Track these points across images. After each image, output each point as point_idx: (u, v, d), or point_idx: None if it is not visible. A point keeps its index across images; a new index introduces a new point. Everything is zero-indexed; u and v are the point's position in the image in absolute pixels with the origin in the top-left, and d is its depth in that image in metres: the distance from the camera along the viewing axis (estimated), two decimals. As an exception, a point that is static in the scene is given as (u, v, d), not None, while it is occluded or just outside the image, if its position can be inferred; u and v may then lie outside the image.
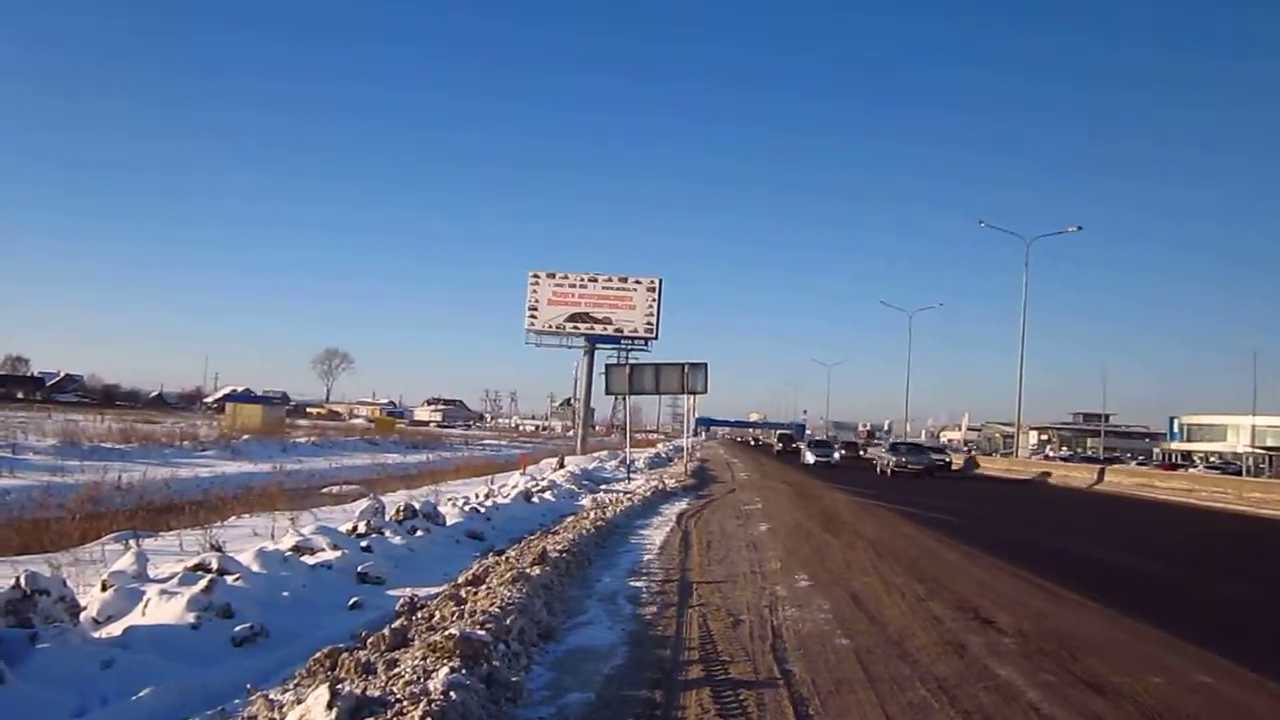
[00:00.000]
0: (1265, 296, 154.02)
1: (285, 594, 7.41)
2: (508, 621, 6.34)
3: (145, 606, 6.12)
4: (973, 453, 77.64)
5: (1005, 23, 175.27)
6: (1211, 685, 6.12)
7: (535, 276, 50.97)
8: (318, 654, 5.31)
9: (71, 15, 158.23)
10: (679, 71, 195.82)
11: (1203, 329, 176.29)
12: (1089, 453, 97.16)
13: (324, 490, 22.78)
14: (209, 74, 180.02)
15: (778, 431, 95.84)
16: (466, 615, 6.39)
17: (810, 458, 48.94)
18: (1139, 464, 68.24)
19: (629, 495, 20.52)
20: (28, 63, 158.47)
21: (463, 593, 7.38)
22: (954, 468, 48.42)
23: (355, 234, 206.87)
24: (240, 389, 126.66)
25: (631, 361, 40.93)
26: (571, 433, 69.32)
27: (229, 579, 6.87)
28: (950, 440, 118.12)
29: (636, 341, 50.87)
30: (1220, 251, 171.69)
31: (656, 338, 50.77)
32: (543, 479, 22.13)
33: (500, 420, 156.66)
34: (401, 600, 7.32)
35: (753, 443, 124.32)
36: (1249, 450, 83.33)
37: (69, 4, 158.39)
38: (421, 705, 4.26)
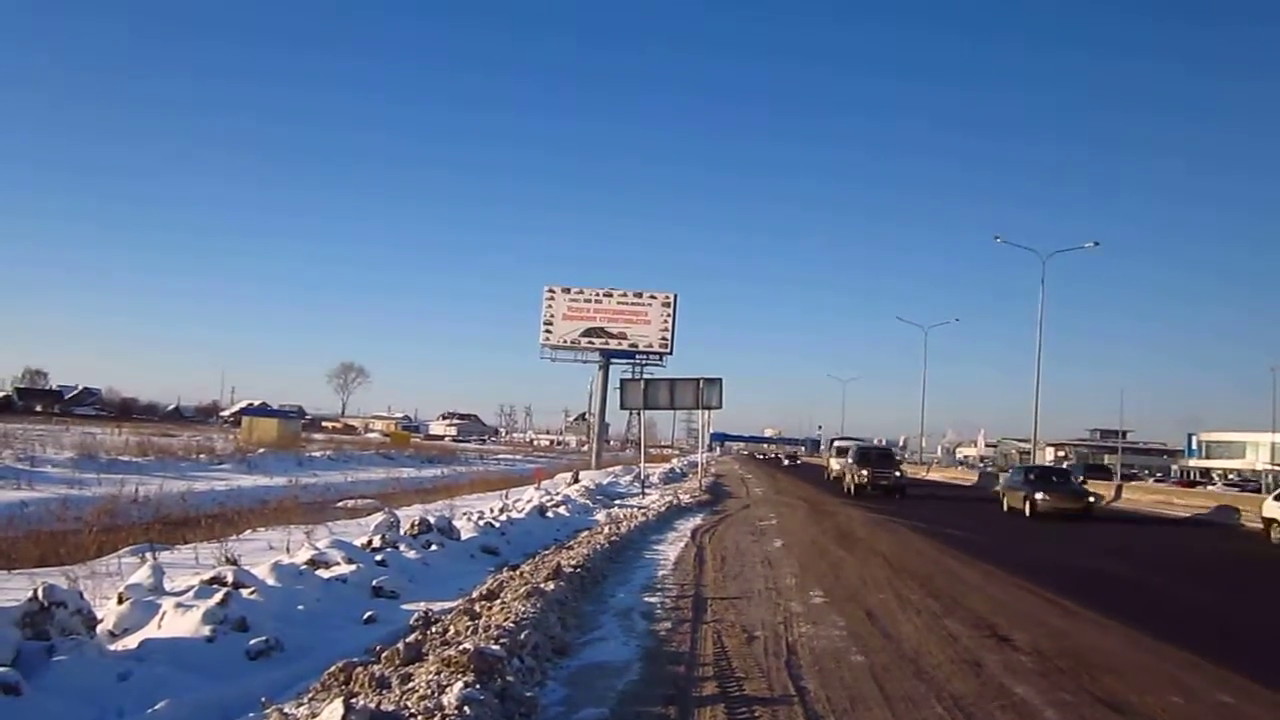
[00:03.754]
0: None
1: (300, 608, 7.43)
2: (522, 636, 6.34)
3: (161, 619, 6.15)
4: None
5: (1019, 40, 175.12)
6: (1231, 705, 6.06)
7: (550, 291, 51.12)
8: (332, 668, 5.32)
9: (84, 20, 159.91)
10: (695, 86, 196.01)
11: (1221, 346, 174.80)
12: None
13: (339, 504, 22.81)
14: (225, 84, 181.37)
15: (840, 444, 47.10)
16: (481, 630, 6.39)
17: None
18: (1156, 481, 67.63)
19: (643, 510, 20.49)
20: (44, 72, 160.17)
21: (477, 607, 7.38)
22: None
23: (371, 248, 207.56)
24: (256, 403, 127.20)
25: (646, 376, 41.01)
26: (586, 447, 69.25)
27: (244, 592, 6.89)
28: (966, 457, 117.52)
29: (651, 356, 50.93)
30: (1238, 269, 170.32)
31: (671, 353, 50.87)
32: (557, 494, 22.15)
33: (515, 435, 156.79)
34: (416, 615, 7.33)
35: (787, 461, 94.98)
36: (1268, 467, 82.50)
37: (96, 11, 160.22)
38: (435, 720, 4.26)
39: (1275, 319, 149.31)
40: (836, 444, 49.41)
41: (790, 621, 8.43)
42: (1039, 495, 24.90)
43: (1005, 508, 26.99)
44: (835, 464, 43.80)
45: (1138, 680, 6.57)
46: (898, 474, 33.34)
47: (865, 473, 32.52)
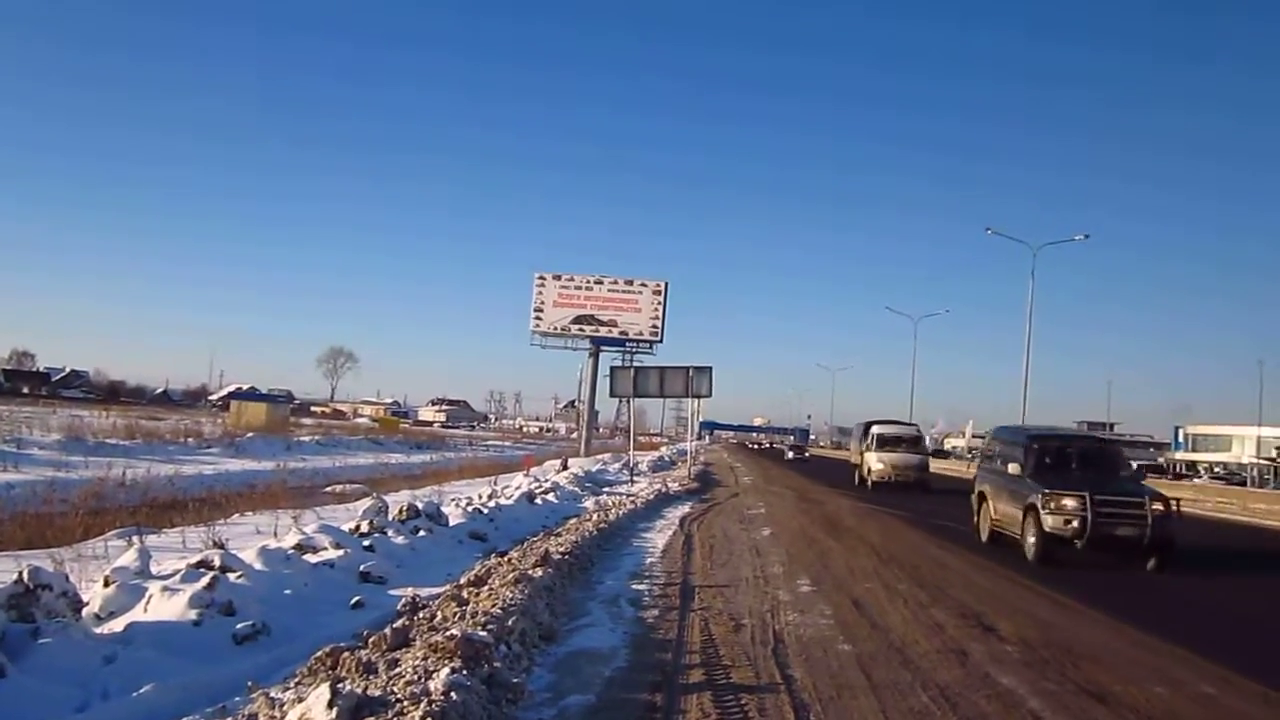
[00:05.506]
0: (1271, 306, 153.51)
1: (287, 592, 7.41)
2: (509, 623, 6.34)
3: (147, 603, 6.13)
4: None
5: (1012, 31, 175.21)
6: (1214, 696, 6.11)
7: (541, 278, 50.92)
8: (319, 653, 5.31)
9: (74, 5, 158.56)
10: (685, 74, 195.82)
11: (1208, 339, 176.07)
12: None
13: (327, 489, 22.79)
14: (215, 70, 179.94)
15: (881, 430, 33.65)
16: (468, 616, 6.39)
17: None
18: (1143, 473, 67.91)
19: (632, 498, 20.52)
20: (30, 53, 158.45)
21: (465, 593, 7.37)
22: None
23: (361, 233, 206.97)
24: (245, 387, 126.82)
25: (636, 364, 40.99)
26: (575, 435, 69.21)
27: (231, 576, 6.87)
28: (955, 448, 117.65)
29: (641, 344, 50.71)
30: (1226, 261, 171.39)
31: (661, 341, 50.63)
32: (546, 481, 22.14)
33: (504, 421, 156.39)
34: (403, 600, 7.32)
35: (791, 454, 76.54)
36: (1254, 461, 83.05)
37: None
38: (422, 705, 4.26)
39: (1263, 312, 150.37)
40: (877, 430, 33.65)
41: (777, 610, 8.45)
42: None
43: None
44: (876, 461, 32.74)
45: (1122, 671, 6.60)
46: (1159, 507, 12.75)
47: (1072, 505, 12.71)
